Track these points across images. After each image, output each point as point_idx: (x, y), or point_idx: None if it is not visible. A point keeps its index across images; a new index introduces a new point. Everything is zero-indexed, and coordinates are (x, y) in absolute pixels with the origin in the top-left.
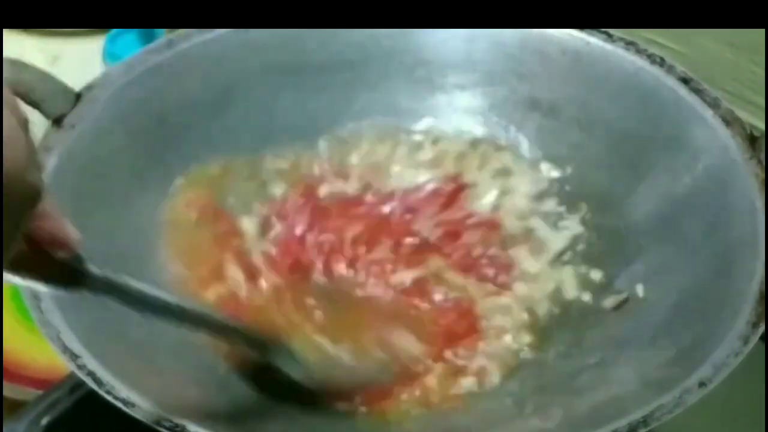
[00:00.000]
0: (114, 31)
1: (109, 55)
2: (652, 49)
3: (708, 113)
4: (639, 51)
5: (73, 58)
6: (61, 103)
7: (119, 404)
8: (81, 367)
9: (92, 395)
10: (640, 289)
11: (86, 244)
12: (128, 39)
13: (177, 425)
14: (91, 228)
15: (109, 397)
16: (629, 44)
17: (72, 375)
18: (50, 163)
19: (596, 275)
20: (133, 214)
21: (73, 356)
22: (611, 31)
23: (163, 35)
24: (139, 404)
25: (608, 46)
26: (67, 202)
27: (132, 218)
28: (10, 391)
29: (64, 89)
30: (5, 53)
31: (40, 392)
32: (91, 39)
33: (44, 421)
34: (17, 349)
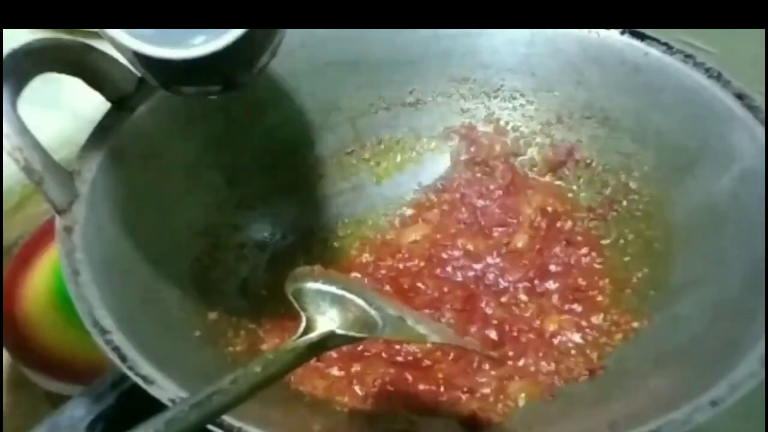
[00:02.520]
0: None
1: None
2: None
3: (760, 131)
4: (696, 64)
5: None
6: (122, 87)
7: (139, 380)
8: (108, 342)
9: (134, 390)
10: (676, 304)
11: (140, 226)
12: None
13: None
14: (146, 208)
15: (130, 373)
16: (687, 57)
17: (114, 370)
18: (108, 144)
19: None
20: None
21: (102, 331)
22: (672, 42)
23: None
24: (159, 382)
25: (667, 58)
26: (123, 182)
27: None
28: (53, 386)
29: (127, 73)
30: None
31: (82, 387)
32: None
33: (87, 415)
34: (59, 346)
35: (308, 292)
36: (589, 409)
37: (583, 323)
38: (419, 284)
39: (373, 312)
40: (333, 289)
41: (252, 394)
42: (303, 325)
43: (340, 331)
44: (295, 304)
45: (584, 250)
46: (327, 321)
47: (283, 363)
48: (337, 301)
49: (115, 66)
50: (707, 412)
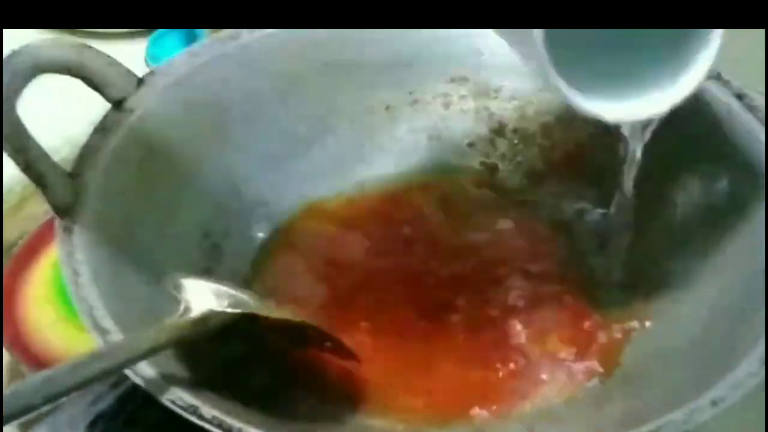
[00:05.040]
0: (157, 32)
1: (151, 57)
2: None
3: (760, 131)
4: None
5: None
6: (122, 87)
7: (139, 381)
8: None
9: (134, 390)
10: (676, 304)
11: (140, 227)
12: (171, 41)
13: (191, 406)
14: (146, 209)
15: (130, 373)
16: None
17: None
18: (108, 145)
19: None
20: (188, 199)
21: (102, 332)
22: None
23: (204, 36)
24: (159, 383)
25: None
26: (123, 183)
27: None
28: None
29: (127, 73)
30: None
31: None
32: (133, 41)
33: (86, 415)
34: (59, 346)
35: (186, 285)
36: (589, 409)
37: (582, 323)
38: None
39: (242, 296)
40: (207, 282)
41: (128, 365)
42: (182, 307)
43: (217, 309)
44: (174, 294)
45: None
46: (204, 303)
47: (165, 338)
48: (212, 291)
49: (114, 67)
50: (707, 412)
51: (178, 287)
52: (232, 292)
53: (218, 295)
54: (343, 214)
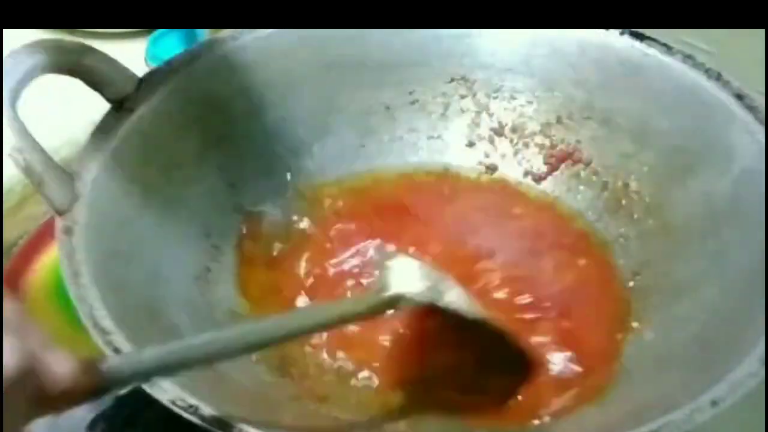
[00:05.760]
0: (157, 32)
1: (151, 57)
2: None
3: (759, 131)
4: (696, 64)
5: None
6: (122, 87)
7: None
8: (108, 343)
9: (134, 390)
10: (676, 305)
11: (140, 228)
12: (171, 40)
13: (191, 406)
14: (146, 209)
15: None
16: (687, 57)
17: None
18: (108, 145)
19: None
20: (188, 199)
21: (103, 332)
22: (671, 42)
23: (204, 36)
24: (159, 383)
25: (666, 58)
26: (123, 183)
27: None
28: None
29: (126, 73)
30: None
31: None
32: (133, 41)
33: (88, 416)
34: (60, 346)
35: (393, 263)
36: (589, 410)
37: (582, 323)
38: None
39: (441, 286)
40: (412, 260)
41: (314, 330)
42: (379, 284)
43: (409, 295)
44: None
45: (583, 251)
46: (400, 285)
47: (354, 310)
48: (414, 270)
49: (114, 67)
50: (707, 412)
51: (386, 258)
52: (437, 276)
53: (418, 276)
54: (342, 213)
